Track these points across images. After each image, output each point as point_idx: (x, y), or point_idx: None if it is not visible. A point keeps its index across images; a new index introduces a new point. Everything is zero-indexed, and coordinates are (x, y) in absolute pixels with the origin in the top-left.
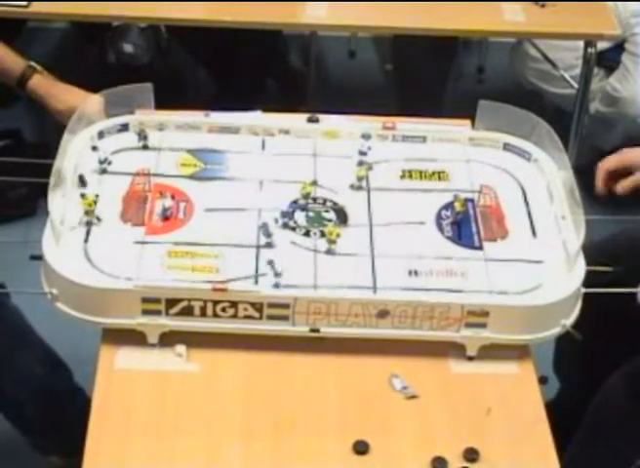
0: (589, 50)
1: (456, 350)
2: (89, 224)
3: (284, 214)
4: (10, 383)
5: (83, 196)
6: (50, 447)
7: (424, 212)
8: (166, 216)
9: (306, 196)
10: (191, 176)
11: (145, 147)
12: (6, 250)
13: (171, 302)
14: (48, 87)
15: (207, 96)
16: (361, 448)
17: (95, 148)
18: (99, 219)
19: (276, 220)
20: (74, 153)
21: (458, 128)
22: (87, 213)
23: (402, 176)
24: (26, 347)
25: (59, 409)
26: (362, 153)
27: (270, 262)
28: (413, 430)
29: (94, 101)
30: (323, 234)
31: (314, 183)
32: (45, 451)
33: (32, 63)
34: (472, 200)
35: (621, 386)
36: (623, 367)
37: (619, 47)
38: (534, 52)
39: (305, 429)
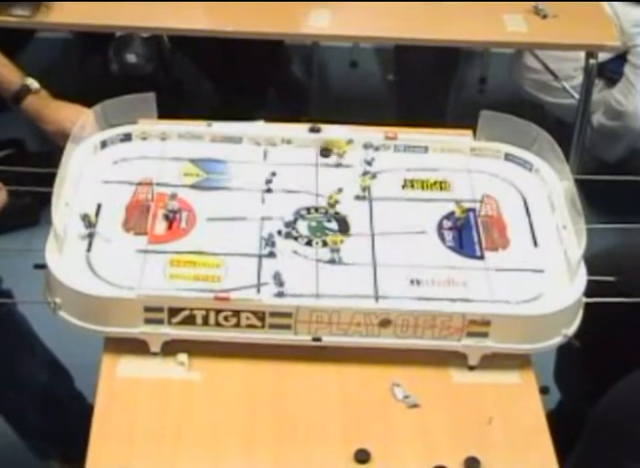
0: (590, 61)
1: (457, 359)
2: (91, 234)
3: (286, 224)
4: (12, 388)
5: (85, 217)
6: (51, 452)
7: (426, 221)
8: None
9: (333, 205)
10: (193, 186)
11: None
12: (9, 258)
13: (173, 311)
14: (40, 108)
15: (209, 105)
16: (362, 456)
17: None
18: (100, 229)
19: (279, 231)
20: (77, 162)
21: (459, 138)
22: (89, 223)
23: (404, 186)
24: (30, 353)
25: (60, 413)
26: (368, 163)
27: (272, 272)
28: (414, 439)
29: (84, 118)
30: (325, 243)
31: (317, 194)
32: (46, 457)
33: (28, 82)
34: (474, 210)
35: (622, 396)
36: (624, 377)
37: (620, 58)
38: (531, 63)
39: (307, 437)
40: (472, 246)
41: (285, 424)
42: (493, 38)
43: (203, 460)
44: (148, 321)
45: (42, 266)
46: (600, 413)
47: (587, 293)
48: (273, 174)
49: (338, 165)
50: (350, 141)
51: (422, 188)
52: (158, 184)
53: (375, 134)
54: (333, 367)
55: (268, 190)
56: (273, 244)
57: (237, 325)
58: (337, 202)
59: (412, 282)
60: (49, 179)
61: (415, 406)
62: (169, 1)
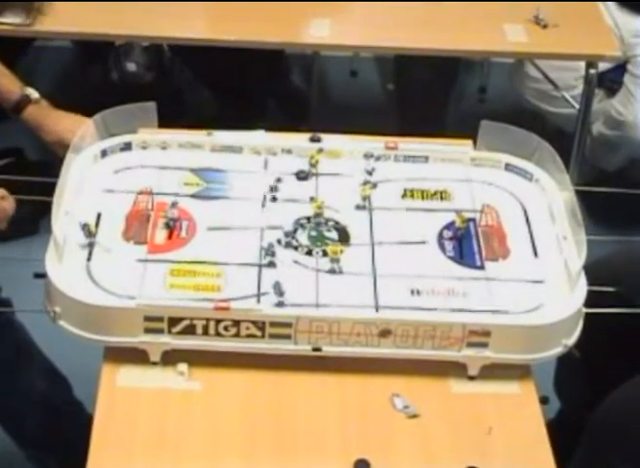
0: (591, 71)
1: (457, 369)
2: (91, 243)
3: (286, 234)
4: (10, 397)
5: (84, 226)
6: (49, 461)
7: (426, 231)
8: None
9: (319, 215)
10: (194, 195)
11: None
12: (8, 267)
13: (173, 321)
14: (40, 118)
15: (209, 114)
16: (362, 466)
17: None
18: (100, 239)
19: (279, 241)
20: (77, 171)
21: (459, 148)
22: (89, 232)
23: (404, 196)
24: (29, 362)
25: (58, 422)
26: (368, 172)
27: (273, 281)
28: (414, 449)
29: (84, 127)
30: (325, 253)
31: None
32: (44, 466)
33: (28, 92)
34: (474, 220)
35: (621, 401)
36: (622, 385)
37: (620, 68)
38: (532, 72)
39: (307, 447)
40: (472, 256)
41: (285, 434)
42: (493, 48)
43: None
44: (148, 330)
45: (42, 275)
46: (599, 418)
47: (587, 303)
48: (273, 183)
49: (309, 173)
50: (320, 150)
51: (423, 198)
52: (158, 194)
53: (375, 143)
54: (333, 377)
55: (269, 199)
56: (273, 253)
57: (237, 334)
58: (323, 207)
59: (412, 292)
60: (49, 188)
61: (414, 416)
62: (171, 1)
